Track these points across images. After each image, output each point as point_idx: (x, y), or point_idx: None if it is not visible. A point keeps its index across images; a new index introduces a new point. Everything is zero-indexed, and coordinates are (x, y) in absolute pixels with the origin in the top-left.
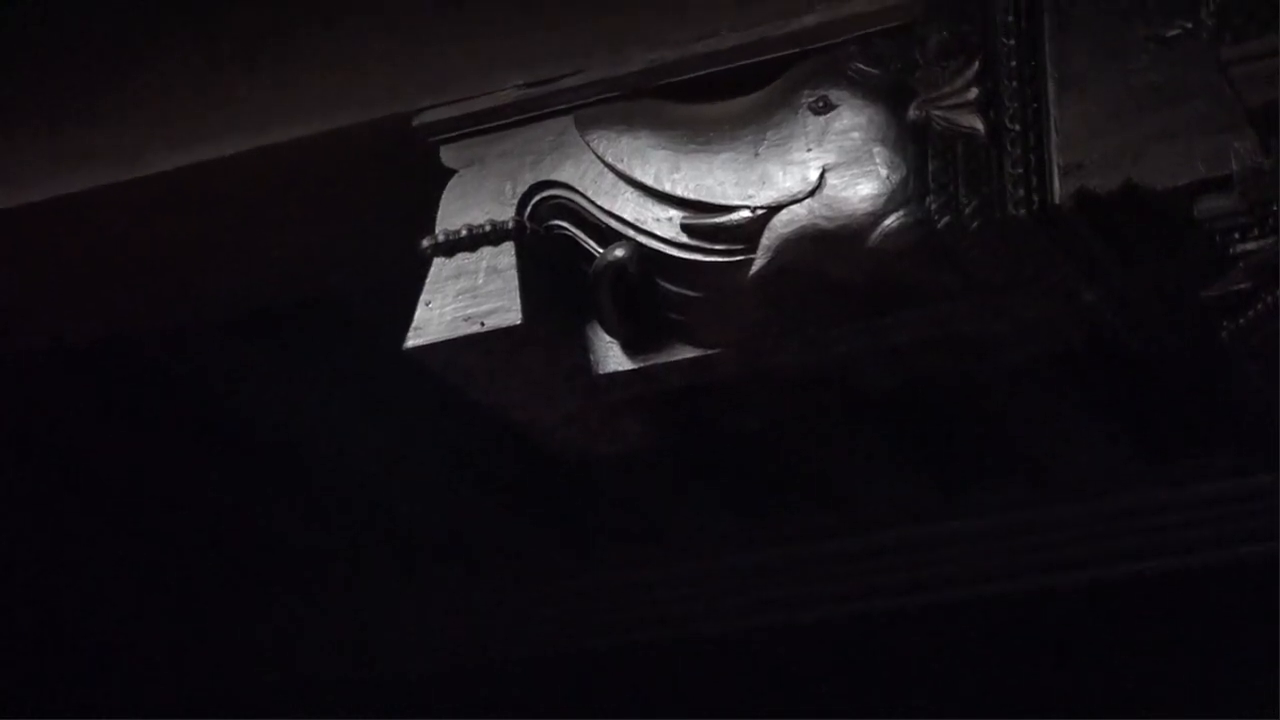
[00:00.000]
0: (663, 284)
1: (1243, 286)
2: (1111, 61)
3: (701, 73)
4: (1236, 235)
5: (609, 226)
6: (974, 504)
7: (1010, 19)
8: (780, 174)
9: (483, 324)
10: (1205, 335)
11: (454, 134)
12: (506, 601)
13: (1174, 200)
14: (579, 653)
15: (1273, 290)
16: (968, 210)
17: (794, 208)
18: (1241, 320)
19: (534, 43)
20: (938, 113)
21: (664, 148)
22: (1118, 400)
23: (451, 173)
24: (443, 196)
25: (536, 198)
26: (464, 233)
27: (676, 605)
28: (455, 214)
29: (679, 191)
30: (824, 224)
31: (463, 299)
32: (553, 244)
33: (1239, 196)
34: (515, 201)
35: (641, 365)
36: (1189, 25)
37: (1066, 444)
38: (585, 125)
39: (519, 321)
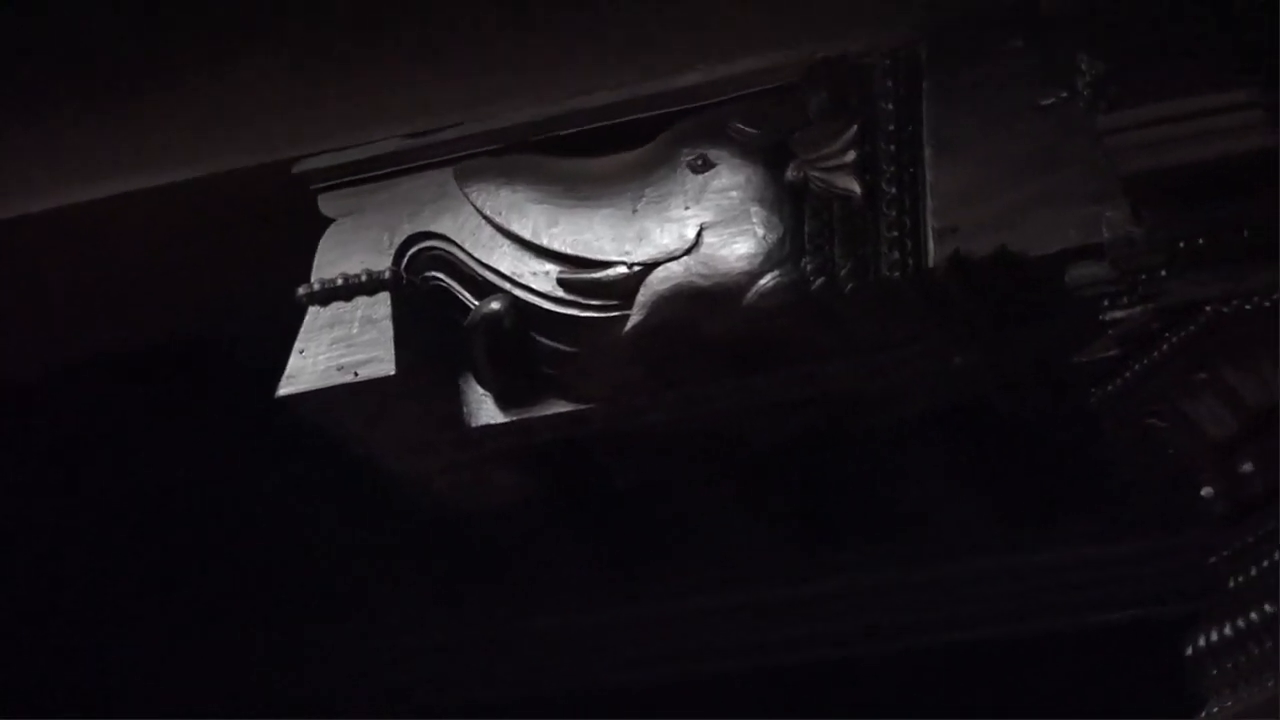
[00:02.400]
0: (538, 338)
1: (1112, 353)
2: (988, 128)
3: (582, 128)
4: (1106, 303)
5: (485, 279)
6: (841, 563)
7: (889, 84)
8: (658, 231)
9: (356, 374)
10: (1075, 401)
11: (333, 182)
12: (381, 652)
13: (1047, 267)
14: (452, 707)
15: (1140, 359)
16: (843, 271)
17: (671, 265)
18: (1110, 387)
19: (417, 94)
20: (815, 174)
21: (543, 202)
22: (987, 462)
23: (330, 221)
24: (320, 245)
25: (414, 249)
26: (340, 281)
27: (544, 660)
28: (332, 263)
29: (556, 246)
30: (700, 282)
31: (337, 348)
32: (429, 295)
33: (1110, 265)
34: (392, 252)
35: (515, 418)
36: (1064, 95)
37: (935, 505)
38: (465, 178)
39: (393, 372)
